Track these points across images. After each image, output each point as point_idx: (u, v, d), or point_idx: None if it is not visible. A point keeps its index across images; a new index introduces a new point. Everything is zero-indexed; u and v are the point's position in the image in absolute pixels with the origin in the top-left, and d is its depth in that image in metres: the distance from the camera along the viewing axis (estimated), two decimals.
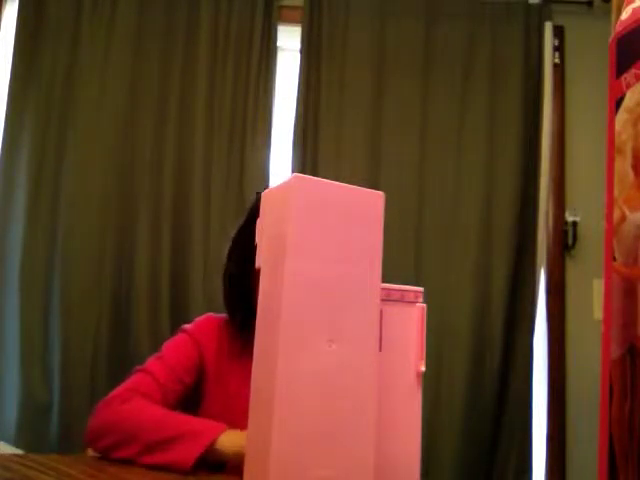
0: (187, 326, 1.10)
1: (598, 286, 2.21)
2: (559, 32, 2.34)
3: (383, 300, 0.58)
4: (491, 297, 2.13)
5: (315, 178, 0.55)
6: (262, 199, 0.60)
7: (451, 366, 2.07)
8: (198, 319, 1.13)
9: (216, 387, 1.05)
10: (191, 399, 1.06)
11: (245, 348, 1.05)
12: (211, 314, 1.15)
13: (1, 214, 2.10)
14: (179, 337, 1.09)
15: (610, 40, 0.40)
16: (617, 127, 0.38)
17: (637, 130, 0.37)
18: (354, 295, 0.54)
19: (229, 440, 0.83)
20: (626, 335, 0.36)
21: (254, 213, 1.08)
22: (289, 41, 2.28)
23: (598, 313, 2.17)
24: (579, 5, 2.35)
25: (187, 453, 0.81)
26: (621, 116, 0.38)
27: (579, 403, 2.17)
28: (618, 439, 0.36)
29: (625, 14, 0.39)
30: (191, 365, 1.04)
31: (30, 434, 1.96)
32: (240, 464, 0.81)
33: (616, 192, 0.38)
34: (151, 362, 1.03)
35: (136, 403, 0.93)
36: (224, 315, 1.13)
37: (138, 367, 1.03)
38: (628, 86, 0.38)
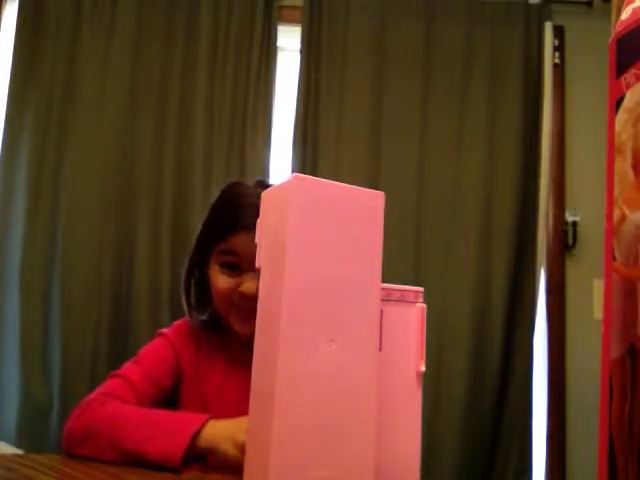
0: (164, 330, 1.09)
1: (598, 286, 2.21)
2: (559, 32, 2.34)
3: (383, 300, 0.58)
4: (491, 297, 2.13)
5: (315, 178, 0.55)
6: (262, 199, 0.60)
7: (451, 366, 2.07)
8: (176, 322, 1.12)
9: (193, 391, 1.04)
10: (169, 403, 1.05)
11: (222, 351, 1.05)
12: (188, 318, 1.14)
13: (1, 214, 2.10)
14: (156, 341, 1.07)
15: (610, 40, 0.40)
16: (617, 127, 0.38)
17: (637, 130, 0.37)
18: (354, 295, 0.54)
19: (207, 433, 0.82)
20: (626, 335, 0.36)
21: (209, 212, 1.08)
22: (289, 41, 2.28)
23: (598, 313, 2.17)
24: (579, 5, 2.35)
25: (172, 448, 0.79)
26: (621, 116, 0.38)
27: (579, 403, 2.17)
28: (618, 439, 0.36)
29: (625, 14, 0.39)
30: (168, 369, 1.03)
31: (30, 434, 1.96)
32: (216, 460, 0.79)
33: (616, 192, 0.38)
34: (127, 366, 1.02)
35: (112, 406, 0.91)
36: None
37: (113, 372, 1.02)
38: (628, 86, 0.38)
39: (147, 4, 2.20)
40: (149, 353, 1.05)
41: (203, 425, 0.82)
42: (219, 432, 0.81)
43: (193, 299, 1.07)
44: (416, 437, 0.61)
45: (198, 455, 0.81)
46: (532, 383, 2.13)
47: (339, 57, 2.22)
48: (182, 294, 1.08)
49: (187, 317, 1.12)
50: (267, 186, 0.78)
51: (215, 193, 1.11)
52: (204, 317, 1.08)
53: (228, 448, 0.78)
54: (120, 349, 2.02)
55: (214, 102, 2.17)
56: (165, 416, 0.88)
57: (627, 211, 0.37)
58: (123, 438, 0.83)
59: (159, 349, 1.05)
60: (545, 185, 2.23)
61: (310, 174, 0.56)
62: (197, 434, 0.81)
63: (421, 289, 0.63)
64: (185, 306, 1.08)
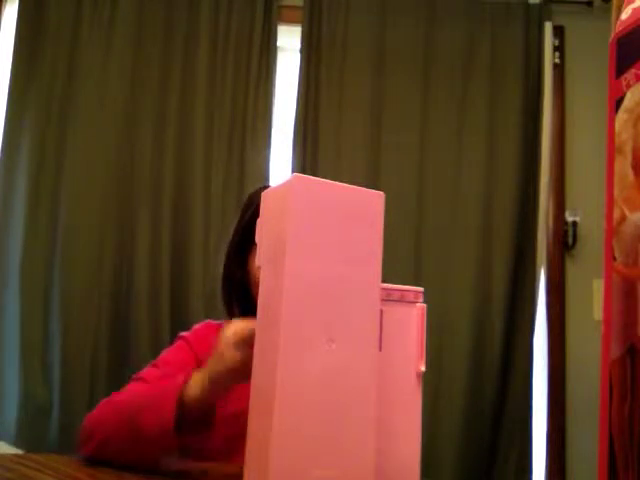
0: (185, 333, 1.09)
1: (598, 286, 2.21)
2: (559, 32, 2.34)
3: (383, 300, 0.58)
4: (491, 297, 2.13)
5: (315, 178, 0.55)
6: (262, 199, 0.60)
7: (451, 366, 2.07)
8: (196, 326, 1.11)
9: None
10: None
11: None
12: (210, 320, 1.14)
13: (1, 214, 2.10)
14: (176, 345, 1.07)
15: (610, 40, 0.40)
16: (617, 127, 0.38)
17: (637, 130, 0.37)
18: (354, 295, 0.54)
19: (194, 377, 0.79)
20: (626, 335, 0.36)
21: (247, 208, 1.08)
22: (289, 41, 2.28)
23: (598, 313, 2.17)
24: (579, 5, 2.35)
25: (164, 412, 0.76)
26: (621, 116, 0.38)
27: (579, 403, 2.17)
28: (618, 439, 0.36)
29: (625, 14, 0.39)
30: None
31: (30, 434, 1.96)
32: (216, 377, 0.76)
33: (616, 192, 0.38)
34: (147, 370, 1.01)
35: (118, 395, 0.90)
36: (224, 320, 1.12)
37: (134, 375, 1.02)
38: (628, 86, 0.38)
39: (147, 4, 2.20)
40: (169, 357, 1.04)
41: (188, 378, 0.80)
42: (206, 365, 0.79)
43: (233, 296, 1.07)
44: (416, 437, 0.61)
45: (196, 404, 0.77)
46: (532, 383, 2.13)
47: (339, 57, 2.22)
48: (222, 292, 1.09)
49: (208, 320, 1.12)
50: None
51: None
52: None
53: (221, 348, 0.75)
54: (120, 349, 2.02)
55: (214, 102, 2.17)
56: (159, 385, 0.86)
57: (627, 211, 0.37)
58: (123, 410, 0.82)
59: (179, 353, 1.04)
60: (545, 185, 2.23)
61: (310, 174, 0.56)
62: (184, 387, 0.78)
63: (421, 289, 0.63)
64: (224, 303, 1.08)
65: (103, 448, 0.83)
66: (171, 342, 1.10)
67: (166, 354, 1.05)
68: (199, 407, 0.78)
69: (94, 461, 0.82)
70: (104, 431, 0.84)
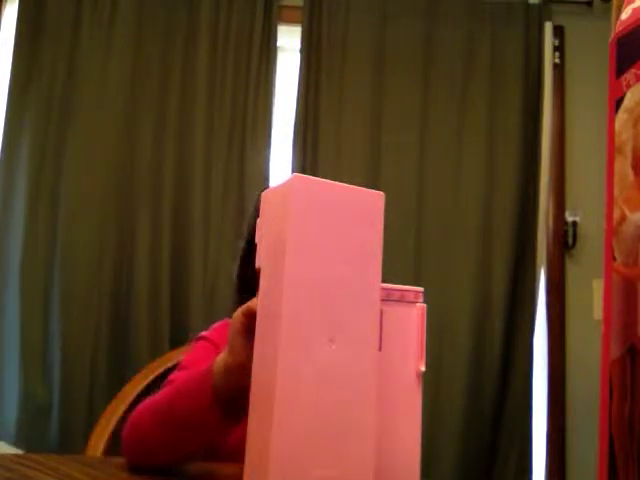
0: (205, 333, 1.07)
1: (598, 286, 2.21)
2: (559, 32, 2.35)
3: (383, 300, 0.58)
4: (491, 297, 2.13)
5: (315, 178, 0.55)
6: (262, 199, 0.60)
7: (451, 366, 2.07)
8: (214, 325, 1.10)
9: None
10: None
11: None
12: (228, 319, 1.13)
13: (1, 214, 2.10)
14: (199, 345, 1.05)
15: (610, 40, 0.40)
16: (617, 127, 0.38)
17: (637, 130, 0.37)
18: (354, 295, 0.54)
19: (217, 363, 0.76)
20: (626, 335, 0.36)
21: (256, 209, 1.08)
22: (289, 41, 2.28)
23: (598, 313, 2.17)
24: (579, 5, 2.35)
25: (200, 391, 0.73)
26: (621, 116, 0.38)
27: (579, 403, 2.17)
28: (618, 439, 0.36)
29: (625, 14, 0.39)
30: None
31: (30, 434, 1.96)
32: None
33: (616, 192, 0.38)
34: (175, 374, 0.98)
35: (146, 401, 0.87)
36: None
37: (164, 383, 1.00)
38: (628, 86, 0.38)
39: (147, 4, 2.20)
40: (194, 357, 1.02)
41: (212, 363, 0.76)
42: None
43: (246, 297, 1.06)
44: (416, 437, 0.61)
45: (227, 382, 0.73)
46: (532, 383, 2.13)
47: (339, 57, 2.22)
48: (235, 294, 1.07)
49: (226, 319, 1.11)
50: None
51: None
52: None
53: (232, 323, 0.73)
54: (120, 349, 2.02)
55: (214, 102, 2.17)
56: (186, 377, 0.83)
57: (627, 211, 0.37)
58: (159, 406, 0.79)
59: (203, 352, 1.02)
60: (545, 185, 2.23)
61: (310, 174, 0.56)
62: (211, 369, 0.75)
63: (421, 289, 0.63)
64: (237, 304, 1.06)
65: (147, 449, 0.80)
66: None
67: (190, 355, 1.03)
68: (231, 386, 0.72)
69: (142, 469, 0.79)
70: (145, 432, 0.80)
